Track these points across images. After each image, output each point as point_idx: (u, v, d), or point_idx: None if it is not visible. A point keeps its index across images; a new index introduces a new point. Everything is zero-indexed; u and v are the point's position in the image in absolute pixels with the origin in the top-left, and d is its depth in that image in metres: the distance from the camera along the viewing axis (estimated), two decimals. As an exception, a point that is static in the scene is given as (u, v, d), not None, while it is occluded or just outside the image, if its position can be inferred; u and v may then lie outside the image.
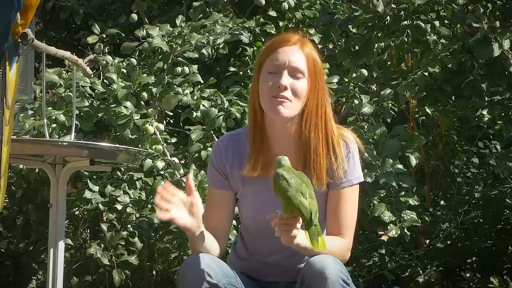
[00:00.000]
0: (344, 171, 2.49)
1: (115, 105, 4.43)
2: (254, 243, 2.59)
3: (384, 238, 4.81)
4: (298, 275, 2.40)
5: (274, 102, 2.42)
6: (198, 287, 2.33)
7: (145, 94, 4.55)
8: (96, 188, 4.40)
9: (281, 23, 5.29)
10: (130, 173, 4.46)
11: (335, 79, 4.71)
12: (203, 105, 4.50)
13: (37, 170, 4.44)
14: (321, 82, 2.48)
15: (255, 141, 2.50)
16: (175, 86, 4.56)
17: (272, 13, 5.30)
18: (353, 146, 2.53)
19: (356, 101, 4.58)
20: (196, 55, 4.69)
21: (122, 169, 4.50)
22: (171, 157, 4.41)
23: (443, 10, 4.44)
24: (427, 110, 4.88)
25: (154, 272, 4.48)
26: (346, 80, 4.83)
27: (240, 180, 2.54)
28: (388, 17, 4.33)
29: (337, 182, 2.49)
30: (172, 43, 4.67)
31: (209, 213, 2.60)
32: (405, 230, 4.24)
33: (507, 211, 5.06)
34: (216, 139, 4.41)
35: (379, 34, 4.41)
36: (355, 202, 2.54)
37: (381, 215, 4.17)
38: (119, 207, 4.32)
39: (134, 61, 4.74)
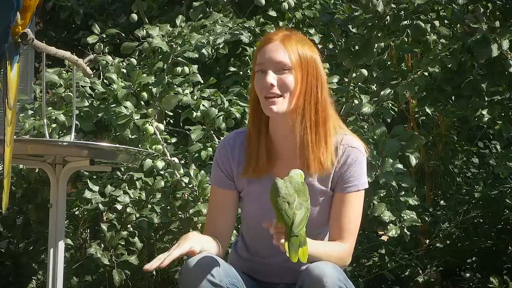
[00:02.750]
0: (350, 175, 2.50)
1: (115, 105, 4.43)
2: (256, 244, 2.59)
3: (384, 238, 4.81)
4: (298, 276, 2.40)
5: (266, 102, 2.44)
6: (200, 286, 2.33)
7: (145, 94, 4.55)
8: (96, 188, 4.40)
9: (281, 23, 5.29)
10: (130, 173, 4.46)
11: (335, 79, 4.71)
12: (203, 105, 4.50)
13: (37, 170, 4.43)
14: (311, 70, 2.46)
15: (251, 144, 2.51)
16: (175, 86, 4.56)
17: (272, 13, 5.31)
18: (359, 152, 2.52)
19: (356, 101, 4.58)
20: (196, 55, 4.69)
21: (122, 169, 4.50)
22: (171, 157, 4.41)
23: (443, 10, 4.44)
24: (427, 110, 4.88)
25: (154, 272, 4.48)
26: (346, 80, 4.83)
27: (246, 180, 2.54)
28: (388, 17, 4.33)
29: (341, 185, 2.50)
30: (172, 43, 4.67)
31: (212, 213, 2.60)
32: (405, 230, 4.24)
33: (507, 211, 5.06)
34: (216, 139, 4.42)
35: (379, 34, 4.41)
36: (360, 208, 2.53)
37: (381, 215, 4.17)
38: (119, 207, 4.32)
39: (134, 61, 4.74)
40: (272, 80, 2.43)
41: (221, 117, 4.48)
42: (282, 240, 2.24)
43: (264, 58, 2.45)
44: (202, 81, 4.65)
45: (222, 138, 2.80)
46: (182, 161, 4.49)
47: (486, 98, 4.44)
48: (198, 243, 2.36)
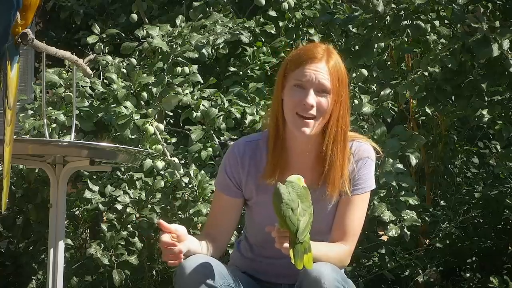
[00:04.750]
0: (358, 178, 2.51)
1: (115, 105, 4.43)
2: (261, 246, 2.59)
3: (384, 238, 4.81)
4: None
5: (299, 121, 2.44)
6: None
7: (145, 94, 4.56)
8: (96, 188, 4.40)
9: (281, 23, 5.30)
10: (130, 173, 4.46)
11: (335, 79, 4.70)
12: (203, 105, 4.50)
13: (37, 170, 4.43)
14: (344, 93, 2.49)
15: (275, 150, 2.50)
16: (175, 86, 4.56)
17: (272, 13, 5.31)
18: (366, 156, 2.53)
19: (356, 101, 4.58)
20: (196, 55, 4.69)
21: (122, 169, 4.50)
22: (171, 157, 4.41)
23: (443, 10, 4.44)
24: (427, 110, 4.88)
25: (154, 272, 4.48)
26: (346, 80, 4.82)
27: (255, 188, 2.53)
28: (388, 17, 4.33)
29: (347, 190, 2.50)
30: (172, 43, 4.67)
31: (214, 217, 2.60)
32: (405, 230, 4.24)
33: (507, 211, 5.05)
34: (216, 139, 4.42)
35: (379, 34, 4.41)
36: (364, 209, 2.54)
37: (381, 215, 4.17)
38: (119, 207, 4.32)
39: (134, 61, 4.74)
40: (313, 101, 2.43)
41: (221, 117, 4.48)
42: (286, 245, 2.23)
43: (306, 76, 2.44)
44: (202, 81, 4.65)
45: (232, 142, 2.77)
46: (182, 161, 4.49)
47: (486, 98, 4.43)
48: (185, 246, 2.36)
